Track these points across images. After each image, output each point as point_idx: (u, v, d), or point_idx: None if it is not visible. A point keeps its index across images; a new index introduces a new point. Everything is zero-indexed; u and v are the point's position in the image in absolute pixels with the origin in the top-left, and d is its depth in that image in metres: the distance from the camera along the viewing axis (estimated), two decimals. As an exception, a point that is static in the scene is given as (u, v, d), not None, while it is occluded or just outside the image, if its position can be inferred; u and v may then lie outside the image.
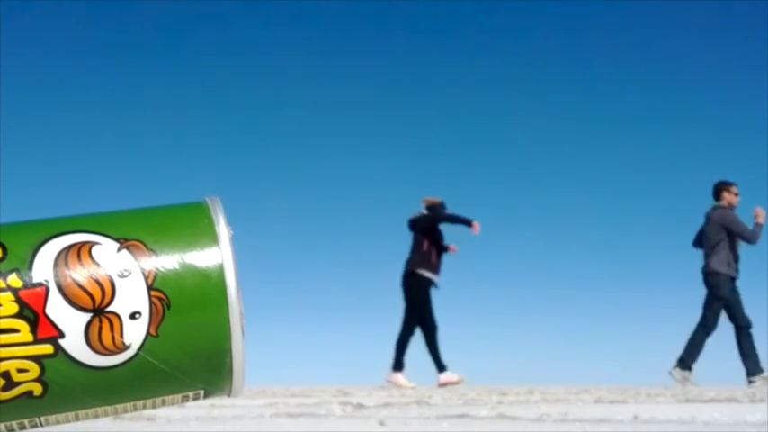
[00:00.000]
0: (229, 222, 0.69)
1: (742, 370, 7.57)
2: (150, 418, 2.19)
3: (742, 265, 7.74)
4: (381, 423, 2.08)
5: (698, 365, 7.55)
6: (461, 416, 2.40)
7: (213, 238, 0.67)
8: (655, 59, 12.93)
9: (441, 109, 13.14)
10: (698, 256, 7.78)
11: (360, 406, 3.00)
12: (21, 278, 0.63)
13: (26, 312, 0.63)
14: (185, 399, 0.69)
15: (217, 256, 0.67)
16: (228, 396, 0.69)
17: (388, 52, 12.77)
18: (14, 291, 0.63)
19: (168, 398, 0.68)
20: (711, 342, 7.59)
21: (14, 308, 0.63)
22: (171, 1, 12.59)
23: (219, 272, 0.66)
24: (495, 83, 12.92)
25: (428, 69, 13.02)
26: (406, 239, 8.10)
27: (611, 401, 3.66)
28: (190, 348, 0.65)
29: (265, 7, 12.92)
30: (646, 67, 13.11)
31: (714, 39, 12.82)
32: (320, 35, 12.85)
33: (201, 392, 0.68)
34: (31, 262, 0.64)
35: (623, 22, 12.99)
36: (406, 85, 13.20)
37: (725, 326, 7.66)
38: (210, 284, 0.66)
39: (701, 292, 7.76)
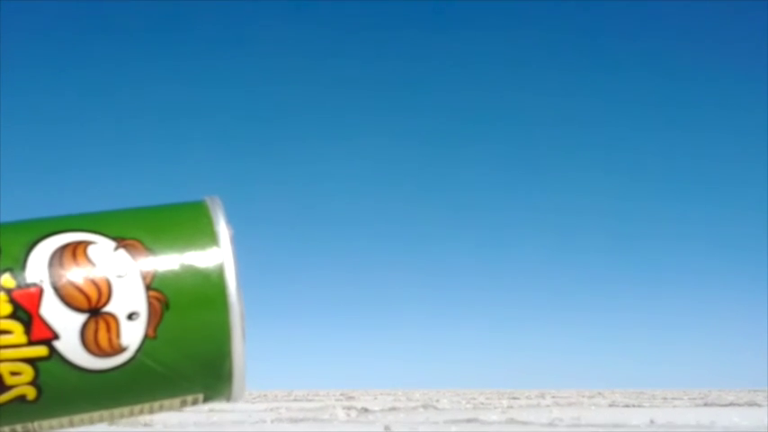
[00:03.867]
0: (230, 222, 0.68)
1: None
2: (147, 424, 2.18)
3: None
4: (387, 428, 2.06)
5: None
6: (470, 420, 2.38)
7: (213, 238, 0.66)
8: (660, 56, 12.95)
9: (441, 110, 13.17)
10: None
11: (365, 410, 2.99)
12: (14, 278, 0.62)
13: (20, 313, 0.61)
14: (184, 403, 0.68)
15: (216, 255, 0.65)
16: (228, 401, 0.68)
17: (388, 52, 12.83)
18: (7, 291, 0.62)
19: (166, 402, 0.67)
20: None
21: (8, 309, 0.61)
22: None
23: (219, 272, 0.65)
24: (498, 80, 12.95)
25: (429, 70, 13.06)
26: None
27: (626, 405, 3.63)
28: (189, 351, 0.64)
29: (272, 6, 13.00)
30: (651, 63, 13.13)
31: (718, 36, 12.84)
32: (325, 35, 12.92)
33: (201, 397, 0.67)
34: (25, 261, 0.63)
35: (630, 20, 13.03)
36: (405, 85, 13.24)
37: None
38: (210, 285, 0.64)
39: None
